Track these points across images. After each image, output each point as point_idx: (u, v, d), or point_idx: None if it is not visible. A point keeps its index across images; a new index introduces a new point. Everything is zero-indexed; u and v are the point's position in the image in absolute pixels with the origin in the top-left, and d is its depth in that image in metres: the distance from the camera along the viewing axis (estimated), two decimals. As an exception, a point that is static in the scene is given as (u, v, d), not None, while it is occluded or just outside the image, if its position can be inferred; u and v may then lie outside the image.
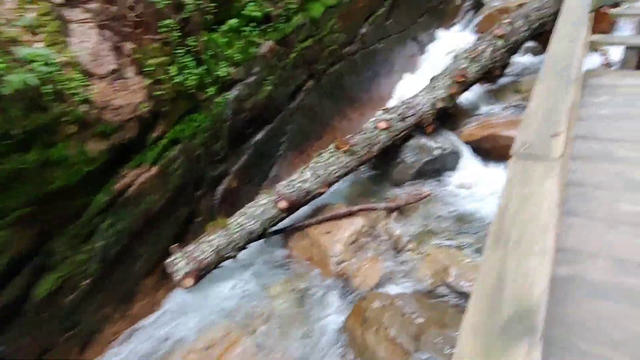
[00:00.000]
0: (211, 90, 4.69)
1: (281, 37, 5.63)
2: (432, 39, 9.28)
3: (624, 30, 7.60)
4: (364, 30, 7.13)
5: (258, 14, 5.27)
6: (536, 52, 8.47)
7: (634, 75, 3.41)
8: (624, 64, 3.42)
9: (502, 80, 7.78)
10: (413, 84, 8.44)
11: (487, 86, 7.71)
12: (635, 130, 2.83)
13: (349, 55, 6.90)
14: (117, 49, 3.98)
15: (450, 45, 9.24)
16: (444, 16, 9.56)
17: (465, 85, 6.50)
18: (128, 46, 4.06)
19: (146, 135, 4.14)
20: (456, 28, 9.83)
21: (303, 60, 6.05)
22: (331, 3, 6.35)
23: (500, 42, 6.83)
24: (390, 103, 7.93)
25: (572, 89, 2.23)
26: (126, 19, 4.13)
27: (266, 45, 5.46)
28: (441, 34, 9.52)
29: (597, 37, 3.59)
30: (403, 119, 5.93)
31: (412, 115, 6.00)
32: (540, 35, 7.70)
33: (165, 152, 4.32)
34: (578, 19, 2.96)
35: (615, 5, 8.70)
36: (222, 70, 4.86)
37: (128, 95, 3.88)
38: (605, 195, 2.43)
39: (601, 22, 8.23)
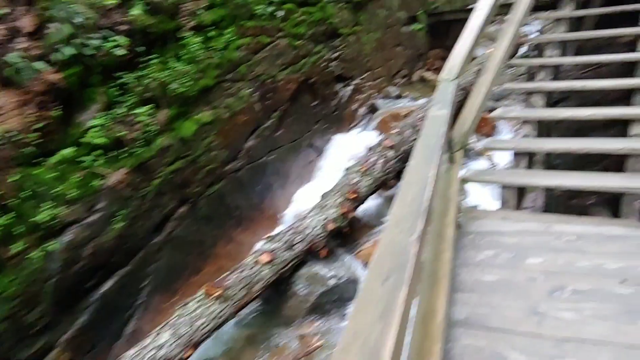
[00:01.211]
0: (20, 244, 3.54)
1: (139, 164, 4.72)
2: (330, 144, 8.96)
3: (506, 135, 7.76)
4: (249, 144, 6.49)
5: (103, 140, 4.37)
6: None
7: (518, 219, 2.88)
8: (503, 203, 2.95)
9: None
10: (312, 192, 7.86)
11: (386, 193, 7.31)
12: (528, 313, 2.17)
13: (232, 173, 6.14)
14: None
15: (350, 148, 8.97)
16: (340, 121, 9.40)
17: (359, 201, 5.93)
18: None
19: None
20: (354, 131, 9.69)
21: (171, 186, 5.14)
22: (206, 120, 5.68)
23: (391, 153, 6.51)
24: (287, 215, 7.18)
25: (414, 247, 1.45)
26: None
27: (117, 175, 4.50)
28: (340, 138, 9.27)
29: (469, 173, 3.08)
30: (290, 247, 5.10)
31: (301, 241, 5.20)
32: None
33: None
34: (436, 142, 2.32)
35: (492, 110, 9.14)
36: (45, 214, 3.76)
37: None
38: None
39: (484, 126, 8.46)
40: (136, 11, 4.88)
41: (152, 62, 5.09)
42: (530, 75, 7.46)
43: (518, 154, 3.12)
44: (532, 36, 4.80)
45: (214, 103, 5.89)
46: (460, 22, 11.80)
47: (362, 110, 10.09)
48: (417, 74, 13.69)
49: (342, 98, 9.54)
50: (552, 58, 3.79)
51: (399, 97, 10.94)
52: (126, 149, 4.62)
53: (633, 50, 3.92)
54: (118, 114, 4.66)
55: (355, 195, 5.78)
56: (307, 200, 7.58)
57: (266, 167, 6.87)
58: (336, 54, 9.36)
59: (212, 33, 5.92)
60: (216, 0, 6.12)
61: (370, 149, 6.64)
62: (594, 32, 3.95)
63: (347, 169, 6.29)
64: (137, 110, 4.74)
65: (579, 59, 3.82)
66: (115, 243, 4.41)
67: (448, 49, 11.65)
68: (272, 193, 6.97)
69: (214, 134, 5.78)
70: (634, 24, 4.06)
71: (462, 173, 3.11)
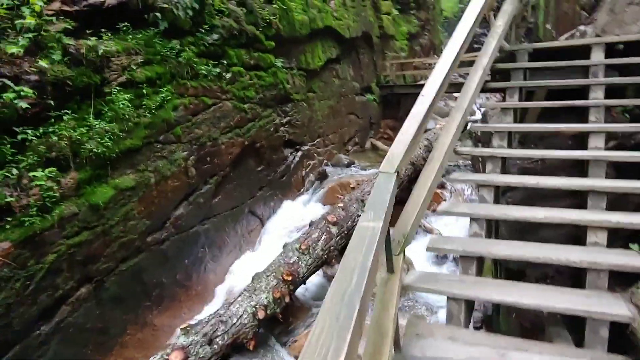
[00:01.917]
0: None
1: (27, 236, 3.87)
2: (274, 211, 8.36)
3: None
4: (178, 212, 5.76)
5: (-21, 209, 3.54)
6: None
7: (469, 341, 2.34)
8: (450, 317, 2.43)
9: (345, 263, 6.87)
10: (250, 265, 7.11)
11: (330, 271, 6.69)
12: None
13: (154, 245, 5.33)
14: None
15: (294, 217, 8.41)
16: (287, 188, 8.89)
17: (296, 283, 5.26)
18: None
19: None
20: (302, 199, 9.18)
21: (71, 262, 4.27)
22: (127, 185, 4.94)
23: (334, 229, 5.98)
24: (219, 292, 6.34)
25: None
26: None
27: (-6, 251, 3.63)
28: (285, 205, 8.71)
29: (412, 279, 2.56)
30: (210, 342, 4.27)
31: (224, 333, 4.39)
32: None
33: None
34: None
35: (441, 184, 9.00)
36: None
37: None
38: None
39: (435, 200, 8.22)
40: (46, 62, 4.25)
41: (64, 117, 4.41)
42: (477, 139, 7.43)
43: (466, 257, 2.67)
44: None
45: (140, 166, 5.20)
46: (411, 96, 12.02)
47: (311, 177, 9.67)
48: (369, 142, 13.69)
49: (291, 164, 9.11)
50: (501, 149, 3.50)
51: (349, 164, 10.68)
52: (12, 218, 3.78)
53: (580, 142, 3.75)
54: (9, 176, 3.86)
55: (291, 277, 5.12)
56: (243, 274, 6.83)
57: (198, 238, 6.11)
58: (286, 119, 9.05)
59: (146, 90, 5.36)
60: (154, 57, 5.63)
61: (312, 223, 6.09)
62: (544, 125, 3.73)
63: (286, 246, 5.67)
64: (35, 173, 3.96)
65: (530, 153, 3.55)
66: (-22, 339, 3.45)
67: (399, 119, 11.79)
68: (202, 267, 6.16)
69: (134, 201, 5.03)
70: (578, 118, 3.93)
71: (403, 277, 2.58)
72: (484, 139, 5.04)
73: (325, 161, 10.64)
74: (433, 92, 2.76)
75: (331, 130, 11.32)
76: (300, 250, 5.46)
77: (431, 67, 20.11)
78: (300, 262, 5.36)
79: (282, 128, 8.82)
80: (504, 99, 5.10)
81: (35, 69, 4.19)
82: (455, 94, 19.98)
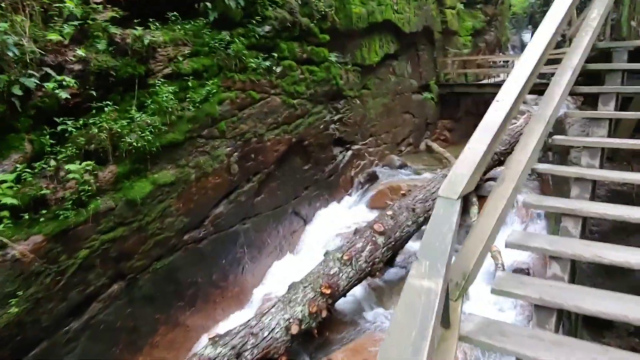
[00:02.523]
0: None
1: (61, 230, 3.73)
2: (319, 213, 7.96)
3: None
4: (218, 210, 5.51)
5: (12, 200, 3.41)
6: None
7: None
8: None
9: (391, 273, 6.33)
10: (293, 267, 6.78)
11: (371, 281, 6.19)
12: None
13: (191, 243, 5.11)
14: None
15: (340, 220, 7.97)
16: (334, 188, 8.45)
17: (334, 297, 4.82)
18: None
19: None
20: (348, 201, 8.71)
21: (104, 258, 4.11)
22: (166, 180, 4.74)
23: (380, 240, 5.47)
24: (256, 295, 6.06)
25: None
26: None
27: (25, 244, 3.50)
28: (331, 207, 8.28)
29: (472, 328, 2.03)
30: (238, 356, 3.95)
31: (254, 347, 4.06)
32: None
33: None
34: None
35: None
36: None
37: None
38: None
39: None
40: (90, 51, 4.09)
41: (106, 109, 4.24)
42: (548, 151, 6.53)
43: (543, 308, 2.09)
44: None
45: (180, 161, 4.98)
46: (472, 96, 11.10)
47: (360, 178, 9.16)
48: (424, 144, 12.90)
49: (340, 163, 8.66)
50: (591, 170, 2.82)
51: (402, 166, 10.04)
52: (46, 211, 3.65)
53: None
54: (46, 168, 3.74)
55: (330, 290, 4.69)
56: (283, 278, 6.50)
57: (237, 237, 5.85)
58: (338, 117, 8.59)
59: (192, 83, 5.12)
60: (202, 48, 5.39)
61: (358, 231, 5.62)
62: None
63: (327, 254, 5.24)
64: (71, 166, 3.81)
65: (633, 177, 2.79)
66: (11, 332, 3.34)
67: (457, 120, 10.88)
68: (240, 268, 5.89)
69: (173, 197, 4.82)
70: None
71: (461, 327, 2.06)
72: (561, 152, 4.30)
73: (376, 162, 10.07)
74: (512, 97, 2.20)
75: (384, 129, 10.71)
76: (342, 261, 5.02)
77: (496, 65, 18.77)
78: (341, 274, 4.92)
79: (332, 125, 8.38)
80: (584, 104, 4.33)
81: (78, 58, 4.05)
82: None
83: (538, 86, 3.51)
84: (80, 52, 3.99)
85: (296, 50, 7.17)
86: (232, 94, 5.76)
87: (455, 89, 13.80)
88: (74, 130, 4.00)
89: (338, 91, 8.53)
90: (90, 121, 4.13)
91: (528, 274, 5.79)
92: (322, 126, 7.94)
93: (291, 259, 6.94)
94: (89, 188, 3.93)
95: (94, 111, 4.19)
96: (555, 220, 5.73)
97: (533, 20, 32.42)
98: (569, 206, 2.51)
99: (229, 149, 5.66)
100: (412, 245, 6.66)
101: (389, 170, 9.82)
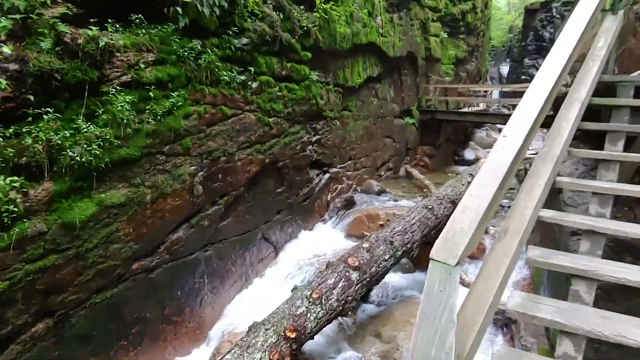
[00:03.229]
0: None
1: (-28, 259, 3.07)
2: (291, 238, 7.41)
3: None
4: (176, 235, 4.89)
5: None
6: (408, 269, 6.88)
7: None
8: None
9: (364, 312, 5.79)
10: (259, 298, 6.16)
11: (342, 320, 5.63)
12: None
13: (141, 273, 4.46)
14: None
15: (314, 246, 7.43)
16: (309, 213, 7.92)
17: (300, 341, 4.23)
18: None
19: None
20: (323, 227, 8.19)
21: (29, 291, 3.44)
22: (114, 201, 4.11)
23: (355, 275, 4.94)
24: (215, 330, 5.40)
25: None
26: None
27: None
28: (304, 233, 7.74)
29: None
30: (180, 414, 3.31)
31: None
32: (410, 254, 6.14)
33: None
34: None
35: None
36: None
37: None
38: None
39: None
40: (34, 50, 3.50)
41: (45, 116, 3.63)
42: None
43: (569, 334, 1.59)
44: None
45: (135, 180, 4.38)
46: (452, 123, 10.82)
47: (336, 203, 8.68)
48: (404, 169, 12.58)
49: (316, 187, 8.15)
50: (603, 221, 2.38)
51: (380, 192, 9.61)
52: (-46, 236, 3.00)
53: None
54: (-42, 184, 3.09)
55: (295, 334, 4.11)
56: (247, 310, 5.88)
57: (197, 266, 5.22)
58: (316, 138, 8.13)
59: (154, 93, 4.56)
60: (169, 56, 4.85)
61: (330, 265, 5.07)
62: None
63: (295, 290, 4.67)
64: (-8, 181, 3.17)
65: None
66: None
67: (437, 147, 10.49)
68: (198, 300, 5.25)
69: (122, 221, 4.19)
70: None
71: None
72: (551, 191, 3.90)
73: (354, 186, 9.63)
74: (523, 131, 1.74)
75: (364, 153, 10.32)
76: (311, 299, 4.45)
77: (477, 94, 18.84)
78: (309, 315, 4.34)
79: (310, 147, 7.90)
80: (579, 142, 3.96)
81: (17, 58, 3.45)
82: (501, 126, 18.56)
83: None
84: (6, 49, 3.39)
85: (275, 66, 6.71)
86: (201, 108, 5.21)
87: (437, 116, 13.61)
88: (2, 139, 3.37)
89: (318, 111, 8.09)
90: (25, 130, 3.51)
91: (508, 317, 5.33)
92: (299, 147, 7.46)
93: (257, 289, 6.33)
94: (14, 209, 3.28)
95: (30, 119, 3.57)
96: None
97: (511, 54, 33.31)
98: (582, 267, 2.05)
99: (193, 167, 5.08)
100: (390, 278, 6.17)
101: (367, 195, 9.38)
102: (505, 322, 5.40)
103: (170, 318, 4.83)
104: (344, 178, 9.23)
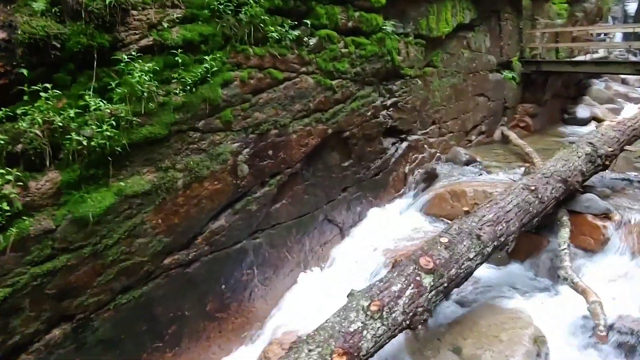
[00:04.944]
0: None
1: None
2: (361, 218, 6.41)
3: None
4: (217, 224, 4.18)
5: None
6: (500, 260, 5.54)
7: None
8: None
9: (440, 314, 4.67)
10: (321, 288, 5.38)
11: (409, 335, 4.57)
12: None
13: (175, 268, 3.86)
14: None
15: (389, 228, 6.36)
16: (382, 188, 6.79)
17: (353, 366, 3.33)
18: None
19: None
20: (399, 204, 7.03)
21: (37, 297, 2.97)
22: (136, 190, 3.46)
23: (428, 280, 3.81)
24: (269, 324, 4.76)
25: None
26: None
27: None
28: (377, 211, 6.66)
29: None
30: None
31: None
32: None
33: None
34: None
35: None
36: None
37: None
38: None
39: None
40: (24, 12, 2.82)
41: (43, 94, 2.99)
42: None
43: None
44: None
45: (162, 163, 3.68)
46: (562, 76, 8.54)
47: (415, 176, 7.41)
48: (499, 132, 10.62)
49: (391, 158, 6.95)
50: None
51: (469, 162, 8.04)
52: None
53: None
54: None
55: (346, 358, 3.20)
56: (306, 301, 5.14)
57: (243, 256, 4.51)
58: (392, 101, 6.83)
59: (182, 58, 3.74)
60: (200, 12, 3.95)
61: (397, 265, 4.00)
62: None
63: (351, 297, 3.72)
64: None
65: None
66: None
67: (542, 104, 8.37)
68: (247, 293, 4.58)
69: (148, 211, 3.55)
70: None
71: None
72: None
73: (437, 155, 8.19)
74: None
75: (451, 115, 8.71)
76: (369, 313, 3.47)
77: (594, 39, 15.37)
78: (365, 332, 3.38)
79: (384, 112, 6.65)
80: None
81: (1, 23, 2.80)
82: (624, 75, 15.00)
83: None
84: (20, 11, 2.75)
85: (338, 17, 5.49)
86: (244, 72, 4.31)
87: (543, 67, 11.15)
88: (-10, 124, 2.82)
89: (394, 69, 6.73)
90: (20, 112, 2.92)
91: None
92: (369, 113, 6.26)
93: (319, 277, 5.52)
94: (7, 207, 2.74)
95: (26, 97, 2.96)
96: None
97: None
98: None
99: (236, 144, 4.26)
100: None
101: (453, 166, 7.89)
102: (634, 346, 3.94)
103: (213, 315, 4.23)
104: (425, 146, 7.84)
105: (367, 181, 6.43)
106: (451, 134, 8.71)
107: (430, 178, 7.32)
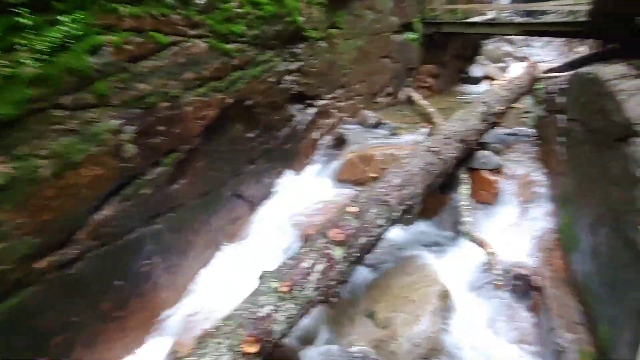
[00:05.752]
0: None
1: None
2: (271, 190, 6.16)
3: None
4: (102, 214, 3.64)
5: None
6: (409, 221, 5.70)
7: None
8: None
9: (354, 281, 4.69)
10: (235, 265, 5.12)
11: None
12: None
13: (52, 272, 3.29)
14: None
15: (301, 197, 6.21)
16: (291, 158, 6.58)
17: (267, 351, 3.16)
18: None
19: None
20: (311, 172, 6.89)
21: None
22: (-16, 186, 2.81)
23: (339, 252, 3.73)
24: (173, 316, 4.40)
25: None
26: None
27: None
28: (288, 182, 6.47)
29: None
30: None
31: None
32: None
33: None
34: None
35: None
36: None
37: None
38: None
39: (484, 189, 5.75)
40: None
41: None
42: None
43: None
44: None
45: (19, 150, 3.02)
46: (460, 37, 8.88)
47: (325, 141, 7.30)
48: (404, 93, 10.90)
49: (299, 126, 6.71)
50: None
51: (377, 125, 8.14)
52: None
53: None
54: None
55: (258, 346, 3.01)
56: (220, 279, 4.87)
57: (140, 246, 4.04)
58: (296, 65, 6.51)
59: (29, 19, 3.02)
60: (50, -41, 3.20)
61: (307, 239, 3.87)
62: None
63: (262, 279, 3.50)
64: None
65: None
66: None
67: (444, 64, 8.62)
68: (148, 285, 4.16)
69: (7, 209, 2.92)
70: None
71: None
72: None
73: (346, 119, 8.14)
74: None
75: (358, 78, 8.65)
76: (280, 294, 3.30)
77: (487, 1, 16.27)
78: (276, 314, 3.22)
79: (288, 77, 6.32)
80: None
81: None
82: (518, 36, 16.20)
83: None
84: None
85: (231, -28, 4.94)
86: (117, 37, 3.66)
87: (443, 28, 11.52)
88: None
89: (296, 31, 6.37)
90: None
91: (529, 284, 4.24)
92: (273, 79, 5.89)
93: (232, 256, 5.24)
94: None
95: None
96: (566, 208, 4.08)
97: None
98: None
99: (116, 122, 3.67)
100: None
101: (362, 130, 7.92)
102: (526, 289, 4.32)
103: (110, 315, 3.77)
104: (334, 111, 7.73)
105: (276, 151, 6.15)
106: (359, 97, 8.69)
107: (340, 143, 7.26)
